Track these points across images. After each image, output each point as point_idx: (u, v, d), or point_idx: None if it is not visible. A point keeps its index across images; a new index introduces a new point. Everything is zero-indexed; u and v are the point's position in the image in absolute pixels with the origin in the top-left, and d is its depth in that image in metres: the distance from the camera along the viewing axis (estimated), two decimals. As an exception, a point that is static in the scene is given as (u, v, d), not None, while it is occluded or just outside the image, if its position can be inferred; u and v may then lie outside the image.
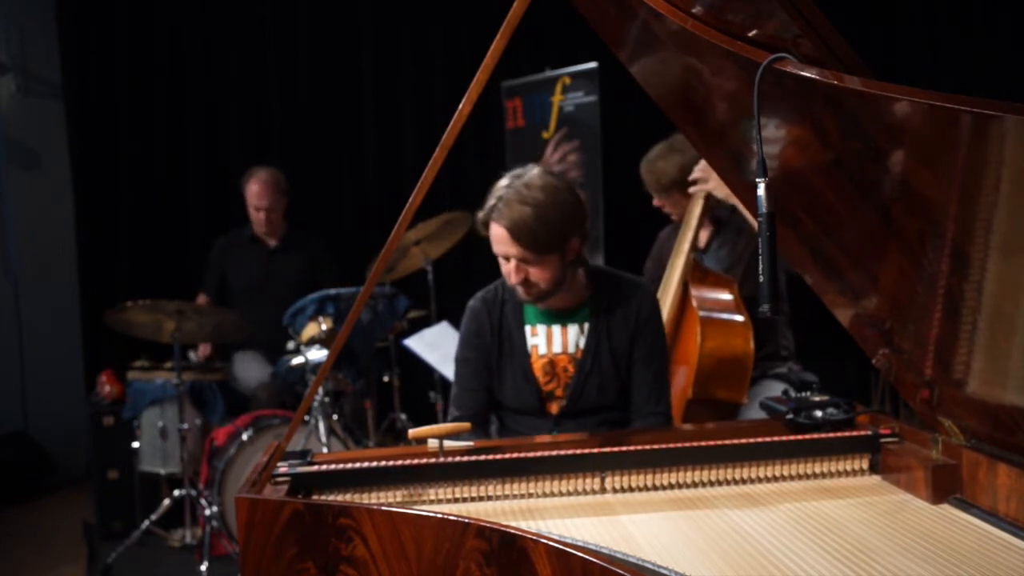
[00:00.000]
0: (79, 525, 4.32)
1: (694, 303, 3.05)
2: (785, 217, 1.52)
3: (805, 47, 1.31)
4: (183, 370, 3.96)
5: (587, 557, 1.30)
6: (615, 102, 5.22)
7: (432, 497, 1.76)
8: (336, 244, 4.98)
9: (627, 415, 2.45)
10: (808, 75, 1.23)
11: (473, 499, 1.76)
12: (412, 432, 1.86)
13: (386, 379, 4.54)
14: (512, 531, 1.39)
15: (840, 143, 1.33)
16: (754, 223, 2.86)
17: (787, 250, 1.64)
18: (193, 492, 3.92)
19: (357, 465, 1.76)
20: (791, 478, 1.80)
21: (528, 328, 2.44)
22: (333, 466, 1.77)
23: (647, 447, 1.79)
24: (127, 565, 3.83)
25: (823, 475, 1.80)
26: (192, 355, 4.49)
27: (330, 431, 3.69)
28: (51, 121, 5.28)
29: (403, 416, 4.61)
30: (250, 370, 4.41)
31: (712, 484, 1.79)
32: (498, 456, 1.79)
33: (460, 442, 1.83)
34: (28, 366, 5.34)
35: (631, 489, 1.78)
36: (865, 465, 1.81)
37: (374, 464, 1.76)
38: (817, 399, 1.92)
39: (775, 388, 3.01)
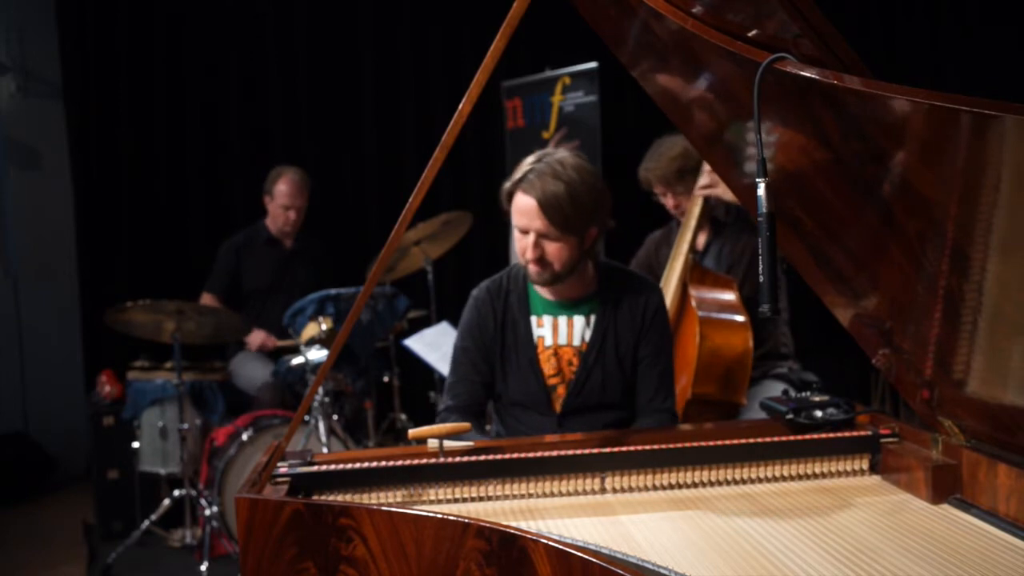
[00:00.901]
0: (79, 525, 4.32)
1: (693, 303, 3.05)
2: (785, 217, 1.52)
3: (805, 47, 1.31)
4: (183, 370, 3.96)
5: (587, 557, 1.30)
6: (615, 102, 5.23)
7: (432, 497, 1.76)
8: (336, 244, 4.98)
9: (630, 415, 2.43)
10: (808, 75, 1.23)
11: (473, 499, 1.76)
12: (412, 432, 1.85)
13: (386, 379, 4.55)
14: (512, 531, 1.39)
15: (840, 143, 1.33)
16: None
17: (787, 250, 1.64)
18: (193, 492, 3.92)
19: (357, 465, 1.76)
20: (791, 478, 1.80)
21: (534, 318, 2.41)
22: (333, 466, 1.77)
23: (647, 447, 1.79)
24: (127, 565, 3.83)
25: (823, 475, 1.81)
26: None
27: (330, 431, 3.69)
28: (51, 121, 5.28)
29: (403, 416, 4.61)
30: (252, 370, 4.40)
31: (712, 484, 1.79)
32: (498, 456, 1.79)
33: (460, 442, 1.83)
34: (28, 366, 5.34)
35: (631, 489, 1.78)
36: (865, 465, 1.81)
37: (374, 464, 1.76)
38: (817, 399, 1.92)
39: (775, 388, 3.01)
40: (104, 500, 4.24)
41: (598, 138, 5.13)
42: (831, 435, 1.83)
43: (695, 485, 1.79)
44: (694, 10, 1.38)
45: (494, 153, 5.55)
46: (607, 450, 1.78)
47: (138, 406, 4.13)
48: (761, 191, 1.34)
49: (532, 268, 2.32)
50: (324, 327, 3.74)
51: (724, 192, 3.15)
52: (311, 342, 3.78)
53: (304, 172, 4.62)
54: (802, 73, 1.24)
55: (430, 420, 2.21)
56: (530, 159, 2.31)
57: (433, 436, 1.82)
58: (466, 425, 1.93)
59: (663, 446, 1.79)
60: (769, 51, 1.29)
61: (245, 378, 4.40)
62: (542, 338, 2.40)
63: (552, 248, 2.28)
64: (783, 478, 1.80)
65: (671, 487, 1.78)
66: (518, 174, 2.29)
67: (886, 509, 1.63)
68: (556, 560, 1.33)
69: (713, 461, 1.79)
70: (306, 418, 3.68)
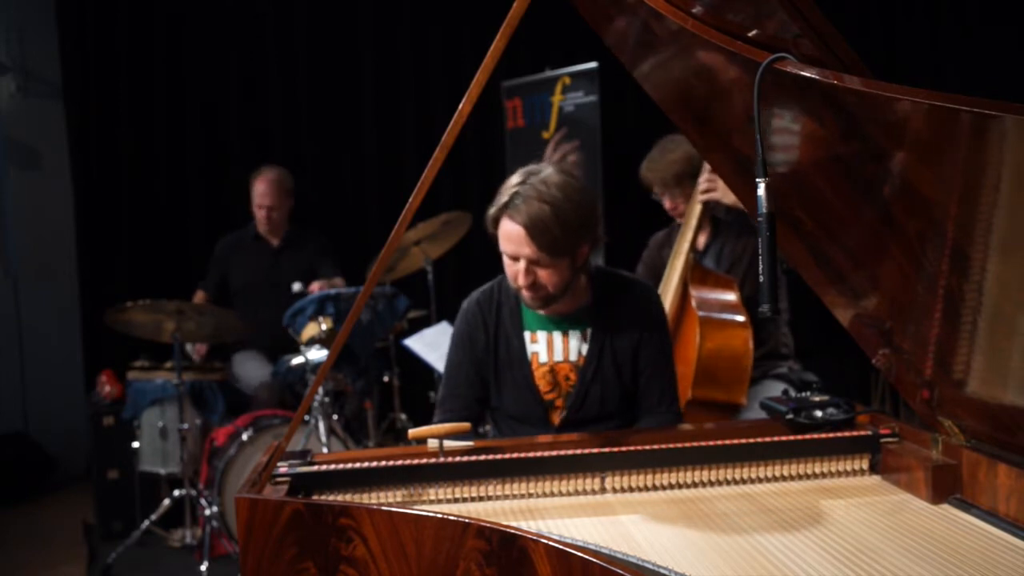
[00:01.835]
0: (79, 525, 4.32)
1: (693, 303, 3.05)
2: (785, 217, 1.52)
3: (805, 47, 1.31)
4: (183, 370, 3.96)
5: (587, 557, 1.30)
6: (615, 102, 5.22)
7: (432, 497, 1.76)
8: (336, 244, 4.98)
9: (630, 423, 2.37)
10: (808, 75, 1.23)
11: (473, 499, 1.76)
12: (412, 432, 1.85)
13: (386, 379, 4.55)
14: (512, 531, 1.38)
15: (840, 143, 1.33)
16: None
17: (787, 250, 1.64)
18: (193, 492, 3.92)
19: (357, 465, 1.76)
20: (791, 478, 1.80)
21: (528, 335, 2.34)
22: (333, 466, 1.77)
23: (647, 447, 1.79)
24: (127, 565, 3.83)
25: (823, 475, 1.80)
26: (190, 350, 4.49)
27: (330, 431, 3.69)
28: (51, 121, 5.28)
29: (403, 416, 4.61)
30: (251, 370, 4.41)
31: (712, 484, 1.79)
32: (498, 456, 1.79)
33: (460, 442, 1.82)
34: (28, 366, 5.34)
35: (631, 489, 1.78)
36: (865, 465, 1.81)
37: (374, 464, 1.76)
38: (817, 399, 1.92)
39: (775, 388, 3.01)
40: (104, 500, 4.24)
41: (598, 138, 5.13)
42: (831, 435, 1.83)
43: (695, 485, 1.79)
44: (694, 10, 1.38)
45: (494, 153, 5.55)
46: (607, 450, 1.78)
47: (138, 406, 4.13)
48: (761, 191, 1.34)
49: (525, 294, 2.25)
50: (324, 327, 3.74)
51: (724, 196, 3.15)
52: (311, 342, 3.78)
53: (283, 172, 4.64)
54: (802, 73, 1.24)
55: (430, 420, 2.21)
56: (514, 180, 2.22)
57: (433, 436, 1.82)
58: (466, 425, 1.93)
59: (663, 446, 1.79)
60: (769, 51, 1.29)
61: (245, 378, 4.40)
62: (536, 354, 2.34)
63: (544, 273, 2.21)
64: (783, 478, 1.80)
65: (671, 487, 1.78)
66: (503, 198, 2.20)
67: (886, 509, 1.63)
68: (556, 560, 1.33)
69: (713, 461, 1.79)
70: (306, 418, 3.68)
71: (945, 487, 1.62)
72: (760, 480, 1.80)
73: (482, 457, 1.78)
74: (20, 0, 5.32)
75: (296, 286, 4.21)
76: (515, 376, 2.33)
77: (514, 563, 1.37)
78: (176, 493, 3.97)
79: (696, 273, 3.17)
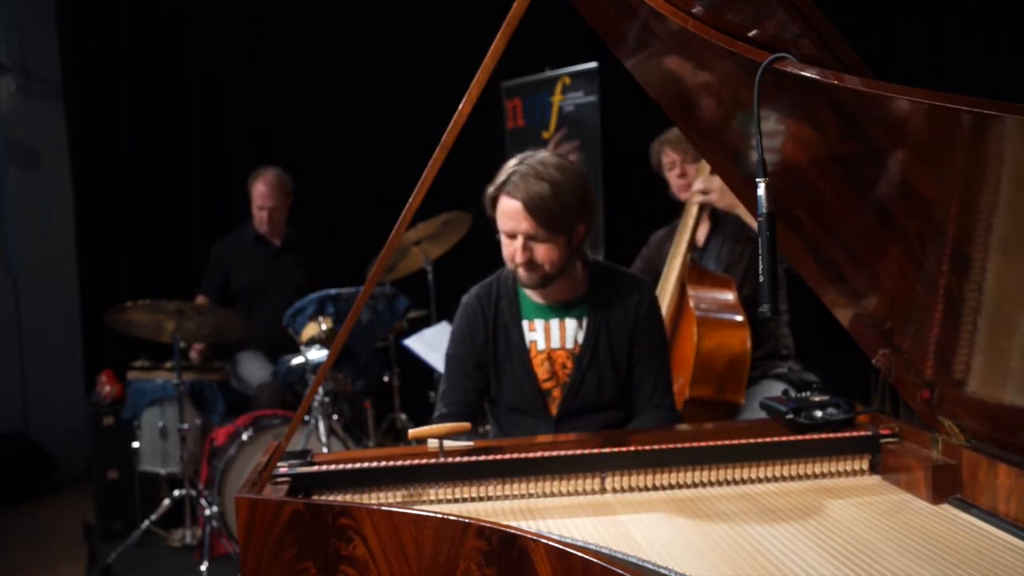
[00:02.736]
0: (79, 525, 4.32)
1: (691, 303, 3.05)
2: (785, 217, 1.52)
3: (805, 47, 1.31)
4: (183, 370, 3.96)
5: (587, 557, 1.30)
6: (615, 102, 5.22)
7: (432, 497, 1.76)
8: (336, 244, 4.98)
9: (627, 415, 2.41)
10: (808, 75, 1.23)
11: (473, 499, 1.76)
12: (412, 432, 1.85)
13: (386, 379, 4.54)
14: (512, 531, 1.38)
15: (840, 143, 1.33)
16: (754, 223, 2.89)
17: (787, 250, 1.64)
18: (193, 492, 3.92)
19: (357, 465, 1.76)
20: (791, 478, 1.80)
21: (526, 323, 2.39)
22: (333, 466, 1.77)
23: (647, 447, 1.79)
24: (127, 565, 3.83)
25: (823, 475, 1.80)
26: (192, 353, 4.50)
27: (330, 431, 3.69)
28: (51, 121, 5.28)
29: (403, 416, 4.61)
30: (252, 370, 4.41)
31: (712, 484, 1.79)
32: (498, 456, 1.79)
33: (460, 442, 1.83)
34: (28, 366, 5.34)
35: (631, 489, 1.78)
36: (865, 465, 1.81)
37: (374, 464, 1.76)
38: (817, 399, 1.92)
39: (775, 388, 3.00)
40: (104, 500, 4.25)
41: (598, 138, 5.13)
42: (831, 435, 1.83)
43: (695, 485, 1.79)
44: (694, 10, 1.38)
45: (494, 153, 5.54)
46: (607, 450, 1.78)
47: (138, 406, 4.13)
48: (761, 191, 1.34)
49: (522, 273, 2.29)
50: (324, 327, 3.74)
51: (719, 200, 3.14)
52: (311, 342, 3.78)
53: (282, 172, 4.65)
54: (802, 73, 1.24)
55: (430, 420, 2.21)
56: (512, 162, 2.28)
57: (433, 436, 1.82)
58: (466, 425, 1.93)
59: (663, 446, 1.79)
60: (769, 51, 1.29)
61: (245, 378, 4.40)
62: (534, 342, 2.38)
63: (541, 249, 2.25)
64: (783, 478, 1.80)
65: (671, 487, 1.78)
66: (501, 178, 2.26)
67: (886, 509, 1.63)
68: (556, 560, 1.33)
69: (713, 461, 1.79)
70: (306, 418, 3.68)
71: (945, 487, 1.62)
72: (760, 480, 1.79)
73: (482, 457, 1.78)
74: (20, 0, 5.32)
75: None
76: (514, 365, 2.37)
77: (514, 563, 1.37)
78: (176, 493, 3.97)
79: (694, 273, 3.17)
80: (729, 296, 3.08)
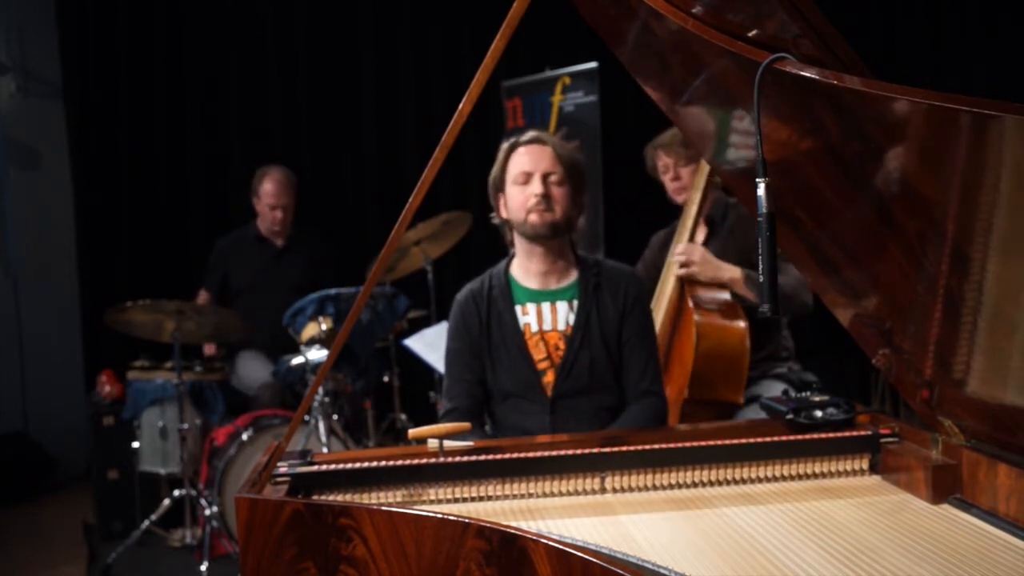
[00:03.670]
0: (79, 525, 4.32)
1: (690, 303, 3.05)
2: (785, 217, 1.52)
3: (805, 47, 1.31)
4: (183, 370, 3.96)
5: (587, 557, 1.30)
6: (615, 102, 5.22)
7: (432, 497, 1.76)
8: (336, 244, 4.98)
9: (621, 398, 2.48)
10: (808, 75, 1.23)
11: (473, 499, 1.76)
12: (412, 432, 1.85)
13: (386, 379, 4.55)
14: (512, 531, 1.38)
15: (840, 143, 1.33)
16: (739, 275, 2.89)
17: (787, 250, 1.64)
18: (193, 492, 3.92)
19: (357, 465, 1.76)
20: (791, 478, 1.80)
21: (519, 308, 2.48)
22: (333, 466, 1.77)
23: (647, 447, 1.79)
24: (127, 565, 3.84)
25: (823, 475, 1.80)
26: (207, 349, 4.49)
27: (330, 431, 3.69)
28: (51, 121, 5.28)
29: (403, 416, 4.61)
30: (252, 370, 4.41)
31: (712, 484, 1.79)
32: (498, 456, 1.79)
33: (460, 442, 1.83)
34: (28, 366, 5.34)
35: (631, 489, 1.78)
36: (865, 465, 1.81)
37: (374, 464, 1.76)
38: (817, 399, 1.92)
39: (774, 388, 3.00)
40: (104, 500, 4.25)
41: (598, 138, 5.13)
42: (831, 435, 1.83)
43: (695, 485, 1.79)
44: (694, 10, 1.37)
45: (494, 153, 5.52)
46: (607, 450, 1.78)
47: (138, 406, 4.13)
48: (761, 191, 1.34)
49: (535, 214, 2.42)
50: (324, 327, 3.74)
51: (700, 272, 3.09)
52: (311, 342, 3.78)
53: (289, 171, 4.65)
54: (802, 73, 1.24)
55: (430, 420, 2.21)
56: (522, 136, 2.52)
57: (433, 436, 1.82)
58: (466, 425, 1.93)
59: (663, 446, 1.79)
60: (769, 51, 1.29)
61: (245, 378, 4.40)
62: (528, 325, 2.47)
63: (558, 192, 2.42)
64: (783, 478, 1.80)
65: (671, 487, 1.78)
66: (523, 136, 2.50)
67: (886, 509, 1.63)
68: (556, 560, 1.33)
69: (713, 461, 1.79)
70: (306, 418, 3.68)
71: (945, 487, 1.62)
72: (760, 480, 1.79)
73: (482, 457, 1.78)
74: (20, 0, 5.32)
75: None
76: (509, 348, 2.44)
77: (514, 563, 1.37)
78: (176, 493, 3.97)
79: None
80: (728, 296, 3.08)
